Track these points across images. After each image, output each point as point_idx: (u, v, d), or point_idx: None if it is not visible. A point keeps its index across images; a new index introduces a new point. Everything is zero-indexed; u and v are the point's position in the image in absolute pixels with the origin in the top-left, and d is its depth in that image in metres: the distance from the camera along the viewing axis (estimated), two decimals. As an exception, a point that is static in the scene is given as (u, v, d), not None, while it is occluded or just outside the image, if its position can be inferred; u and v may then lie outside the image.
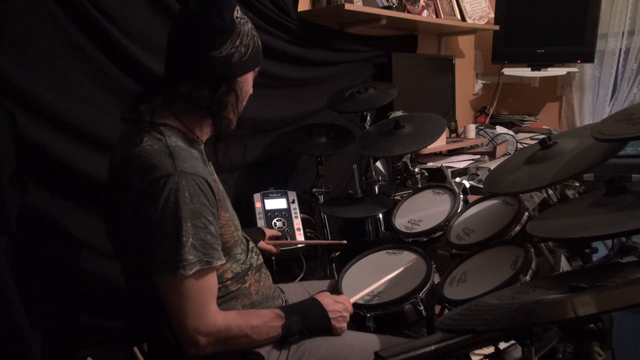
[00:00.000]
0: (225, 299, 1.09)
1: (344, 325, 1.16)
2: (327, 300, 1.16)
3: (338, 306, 1.16)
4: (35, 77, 1.36)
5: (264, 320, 1.06)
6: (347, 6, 2.02)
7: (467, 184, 1.92)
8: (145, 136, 1.01)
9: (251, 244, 1.24)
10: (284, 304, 1.26)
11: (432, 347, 0.85)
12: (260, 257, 1.25)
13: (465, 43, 3.27)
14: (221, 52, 1.02)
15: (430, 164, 2.47)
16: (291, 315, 1.09)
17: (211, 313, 0.99)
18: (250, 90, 1.14)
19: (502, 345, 0.96)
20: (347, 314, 1.17)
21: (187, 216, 0.94)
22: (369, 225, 2.01)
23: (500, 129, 3.04)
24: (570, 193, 1.39)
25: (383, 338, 1.16)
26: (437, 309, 1.31)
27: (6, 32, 1.31)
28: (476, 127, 2.99)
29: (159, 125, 1.04)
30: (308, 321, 1.11)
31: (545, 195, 1.40)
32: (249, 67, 1.09)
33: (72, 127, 1.43)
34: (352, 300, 1.23)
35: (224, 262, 1.03)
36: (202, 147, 1.13)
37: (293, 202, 1.89)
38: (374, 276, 1.32)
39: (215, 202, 1.02)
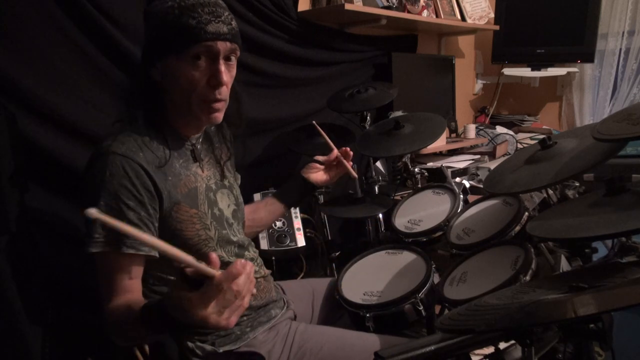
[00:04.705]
0: None
1: (233, 318, 0.76)
2: (191, 305, 0.73)
3: (209, 309, 0.73)
4: (35, 77, 1.36)
5: (133, 325, 0.90)
6: (347, 6, 2.02)
7: (467, 184, 1.92)
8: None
9: (251, 253, 1.22)
10: (285, 305, 1.26)
11: (432, 347, 0.85)
12: (263, 268, 1.25)
13: (465, 43, 3.27)
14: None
15: (430, 164, 2.47)
16: (154, 323, 0.85)
17: (112, 300, 0.95)
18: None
19: (502, 345, 0.96)
20: (232, 305, 0.74)
21: (103, 195, 0.94)
22: (369, 225, 2.01)
23: (500, 129, 3.04)
24: (570, 193, 1.39)
25: (383, 338, 1.16)
26: (437, 309, 1.31)
27: (6, 32, 1.31)
28: (476, 127, 2.99)
29: (151, 127, 1.05)
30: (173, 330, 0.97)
31: (545, 195, 1.40)
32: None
33: (72, 127, 1.43)
34: None
35: (146, 252, 0.96)
36: (187, 144, 1.12)
37: (293, 202, 1.89)
38: (374, 276, 1.32)
39: (152, 192, 0.98)
